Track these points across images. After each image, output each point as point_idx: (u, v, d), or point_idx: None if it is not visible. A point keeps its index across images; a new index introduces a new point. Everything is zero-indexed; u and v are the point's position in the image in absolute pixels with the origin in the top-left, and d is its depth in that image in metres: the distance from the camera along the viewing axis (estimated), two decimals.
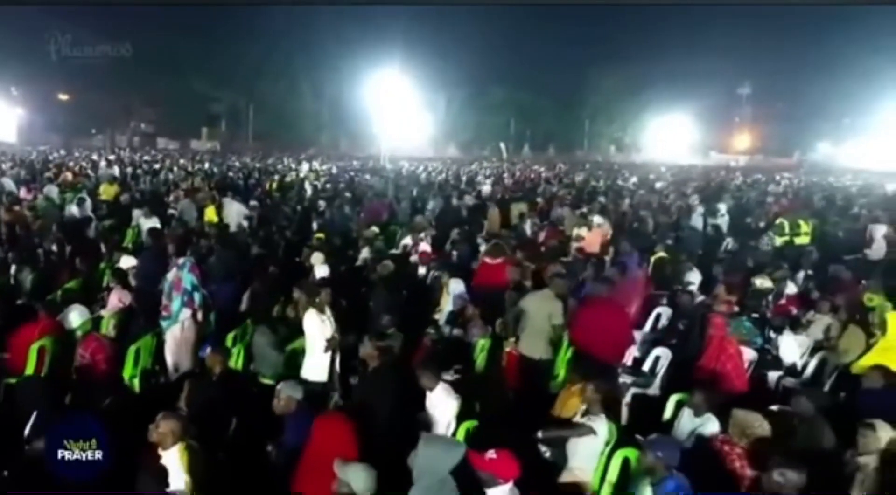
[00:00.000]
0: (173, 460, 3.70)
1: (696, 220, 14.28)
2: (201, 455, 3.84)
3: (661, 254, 9.88)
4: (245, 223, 12.87)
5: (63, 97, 53.95)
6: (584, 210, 14.63)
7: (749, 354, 6.65)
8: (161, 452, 3.74)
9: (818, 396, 4.97)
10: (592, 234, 11.30)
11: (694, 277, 9.52)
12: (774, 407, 5.10)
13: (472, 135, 70.85)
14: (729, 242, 13.49)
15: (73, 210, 11.10)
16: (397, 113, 46.02)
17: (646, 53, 63.33)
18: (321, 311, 5.72)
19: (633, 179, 30.39)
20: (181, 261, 6.36)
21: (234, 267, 8.15)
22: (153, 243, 8.33)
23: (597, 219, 12.44)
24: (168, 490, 3.39)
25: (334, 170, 29.33)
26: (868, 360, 6.40)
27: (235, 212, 13.16)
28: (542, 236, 12.64)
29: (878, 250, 11.72)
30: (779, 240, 12.62)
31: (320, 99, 61.35)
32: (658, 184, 26.14)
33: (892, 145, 55.12)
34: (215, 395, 4.57)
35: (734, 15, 59.57)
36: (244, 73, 58.38)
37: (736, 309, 7.96)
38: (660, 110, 67.74)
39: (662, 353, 6.64)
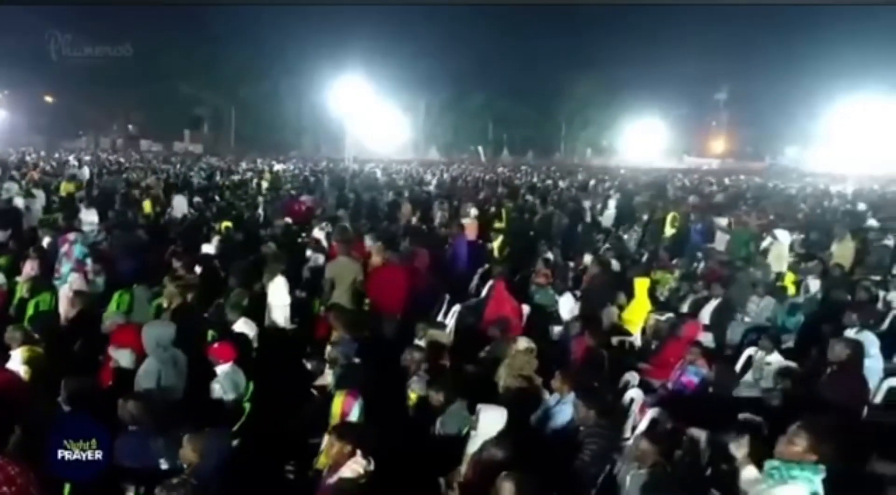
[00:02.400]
0: (17, 357, 5.46)
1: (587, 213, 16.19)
2: (41, 356, 5.60)
3: (501, 237, 11.71)
4: (179, 215, 14.89)
5: (48, 99, 55.50)
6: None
7: (526, 309, 8.42)
8: (11, 352, 5.50)
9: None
10: (470, 223, 13.18)
11: (549, 257, 11.44)
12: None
13: (451, 140, 72.19)
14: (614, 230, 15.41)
15: (18, 202, 12.90)
16: (377, 117, 47.57)
17: (624, 58, 64.64)
18: (283, 274, 7.73)
19: (581, 179, 32.37)
20: (72, 236, 8.13)
21: (135, 246, 9.95)
22: (65, 225, 10.17)
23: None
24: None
25: (296, 172, 31.16)
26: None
27: (179, 206, 15.54)
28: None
29: (719, 240, 13.43)
30: (670, 231, 14.57)
31: (302, 103, 61.97)
32: (591, 184, 28.08)
33: (849, 150, 56.88)
34: (65, 325, 6.35)
35: (713, 20, 61.06)
36: (227, 76, 59.65)
37: (550, 280, 9.89)
38: (637, 114, 68.44)
39: (456, 309, 8.43)
